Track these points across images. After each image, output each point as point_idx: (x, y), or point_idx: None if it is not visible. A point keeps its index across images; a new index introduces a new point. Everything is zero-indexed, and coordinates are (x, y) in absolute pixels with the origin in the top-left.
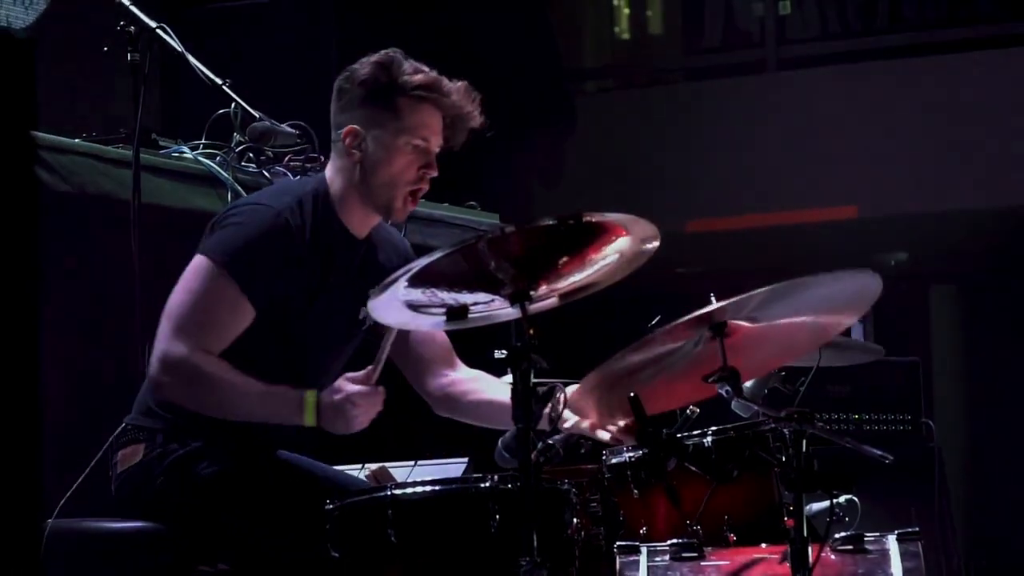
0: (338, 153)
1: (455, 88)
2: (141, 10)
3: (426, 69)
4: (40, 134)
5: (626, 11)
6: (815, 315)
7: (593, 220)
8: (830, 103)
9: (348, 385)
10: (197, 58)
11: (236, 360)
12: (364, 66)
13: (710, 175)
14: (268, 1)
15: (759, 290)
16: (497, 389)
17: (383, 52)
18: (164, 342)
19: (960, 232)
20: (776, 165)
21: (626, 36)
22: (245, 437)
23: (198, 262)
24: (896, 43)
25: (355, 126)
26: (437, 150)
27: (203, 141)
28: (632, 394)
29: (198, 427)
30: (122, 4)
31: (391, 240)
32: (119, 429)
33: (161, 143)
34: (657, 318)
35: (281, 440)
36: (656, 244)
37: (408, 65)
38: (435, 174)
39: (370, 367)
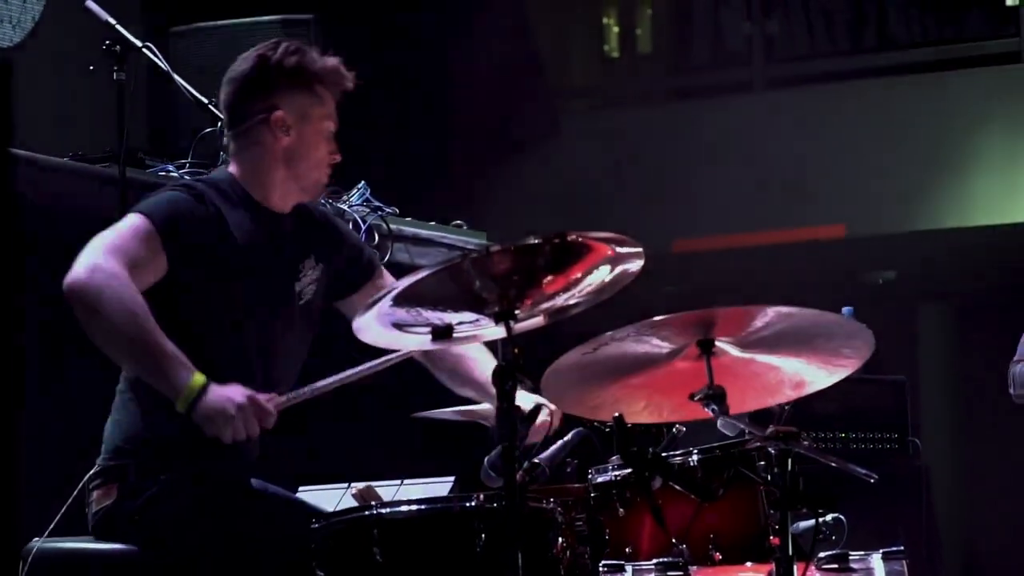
0: (252, 142)
1: (347, 70)
2: (128, 27)
3: (324, 56)
4: (26, 152)
5: (615, 29)
6: (801, 357)
7: (578, 239)
8: (818, 122)
9: (243, 392)
10: (185, 76)
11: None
12: (284, 51)
13: (697, 194)
14: (255, 20)
15: (756, 307)
16: (487, 367)
17: (287, 41)
18: (95, 254)
19: (948, 251)
20: (764, 184)
21: (615, 55)
22: (216, 467)
23: (126, 218)
24: (884, 62)
25: (283, 112)
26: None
27: (189, 160)
28: (617, 414)
29: (168, 461)
30: (108, 23)
31: (309, 210)
32: (92, 471)
33: (148, 162)
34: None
35: (250, 467)
36: (641, 263)
37: (315, 51)
38: (339, 158)
39: (283, 397)
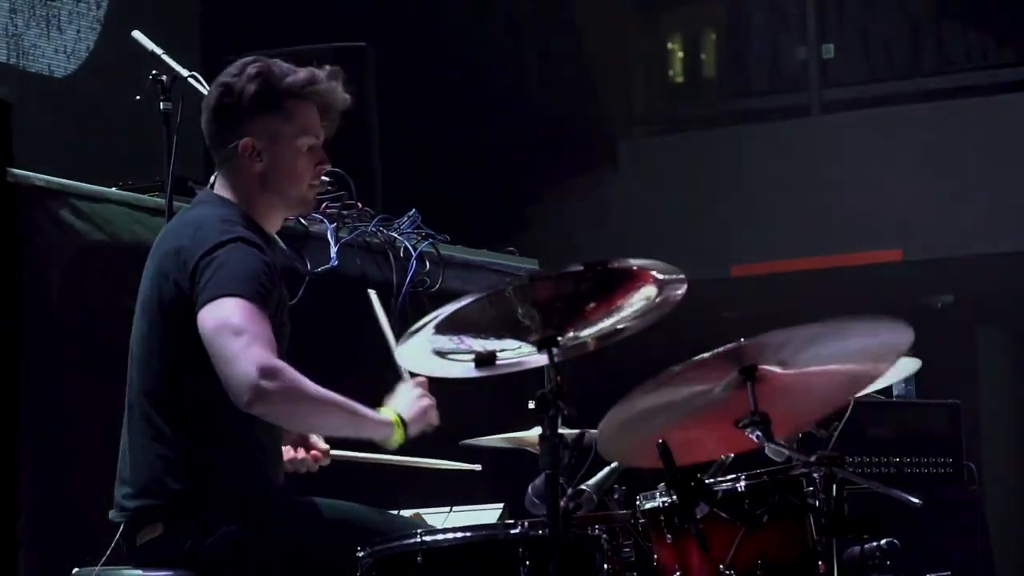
0: (232, 169)
1: (329, 75)
2: (177, 56)
3: (295, 67)
4: (75, 182)
5: (679, 55)
6: (844, 364)
7: (620, 266)
8: (875, 146)
9: (417, 390)
10: None
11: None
12: (246, 77)
13: (755, 219)
14: (308, 49)
15: (785, 330)
16: None
17: (253, 59)
18: (250, 356)
19: (1007, 274)
20: (821, 208)
21: (680, 79)
22: (263, 490)
23: (225, 303)
24: (941, 85)
25: (250, 138)
26: (322, 142)
27: None
28: (660, 440)
29: (212, 490)
30: (153, 53)
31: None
32: (126, 518)
33: (196, 190)
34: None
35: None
36: (684, 289)
37: (282, 67)
38: (329, 166)
39: (412, 376)
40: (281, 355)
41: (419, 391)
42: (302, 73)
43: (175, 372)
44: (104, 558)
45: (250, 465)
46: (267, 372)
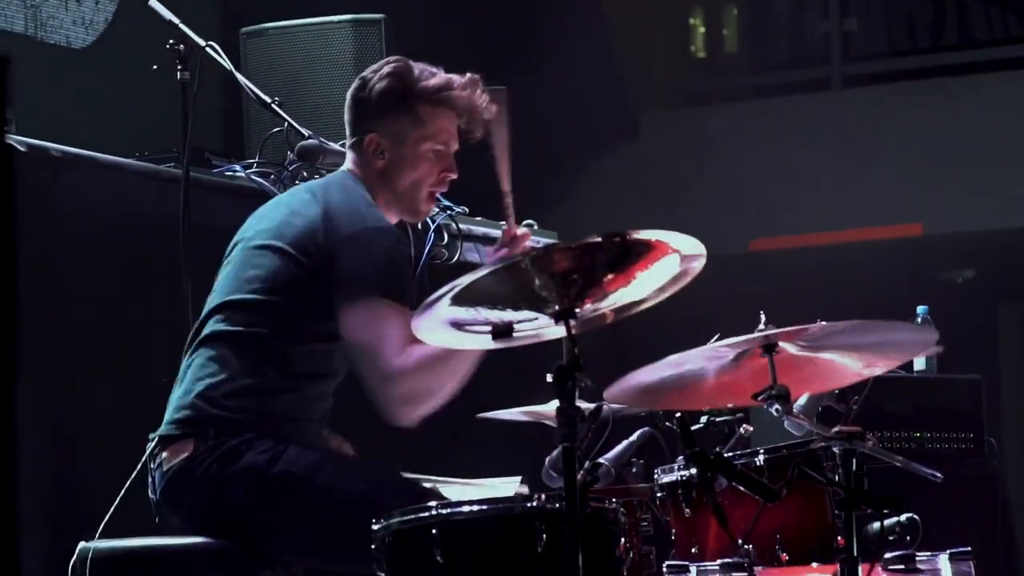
0: (360, 159)
1: (467, 83)
2: (196, 27)
3: (437, 71)
4: (90, 153)
5: (701, 30)
6: (864, 353)
7: (639, 238)
8: (896, 120)
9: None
10: (255, 75)
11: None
12: (380, 75)
13: (774, 193)
14: (327, 20)
15: (812, 326)
16: None
17: (395, 59)
18: (381, 386)
19: None
20: (841, 182)
21: (701, 55)
22: (301, 435)
23: (371, 307)
24: (963, 59)
25: (376, 135)
26: (455, 150)
27: (257, 160)
28: (679, 414)
29: (246, 423)
30: (171, 22)
31: None
32: (158, 435)
33: (214, 162)
34: (716, 336)
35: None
36: (703, 261)
37: (421, 70)
38: (455, 175)
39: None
40: None
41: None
42: (436, 79)
43: (272, 311)
44: (101, 528)
45: (298, 411)
46: (403, 399)
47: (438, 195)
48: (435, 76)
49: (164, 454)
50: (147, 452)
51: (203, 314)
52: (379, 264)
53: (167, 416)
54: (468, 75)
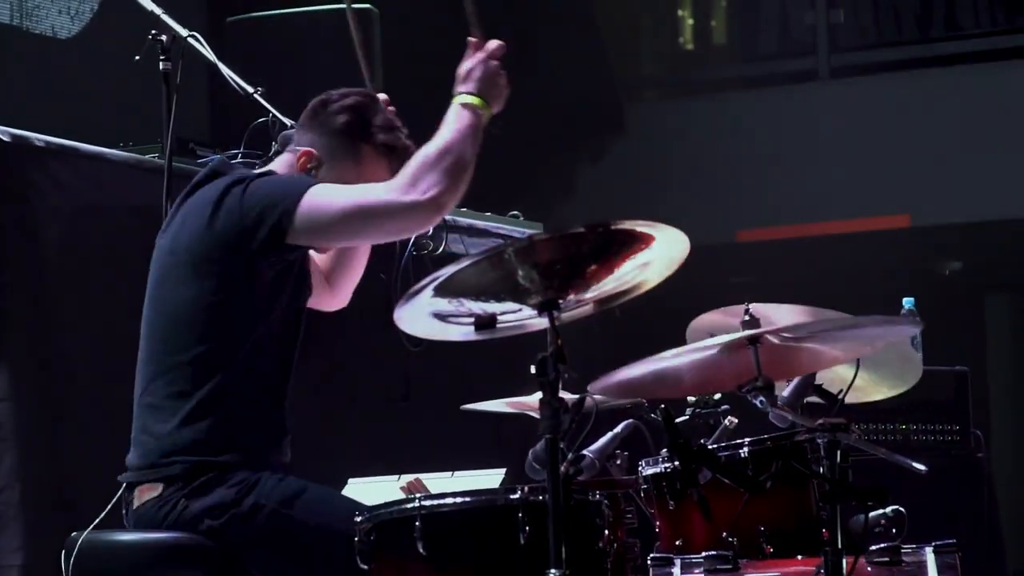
0: (288, 164)
1: (410, 145)
2: (183, 17)
3: (398, 124)
4: (74, 143)
5: (690, 22)
6: (849, 344)
7: (622, 228)
8: (883, 111)
9: (477, 58)
10: (241, 65)
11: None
12: (342, 105)
13: (762, 184)
14: (314, 10)
15: (794, 324)
16: None
17: (365, 92)
18: (390, 198)
19: (1015, 241)
20: (828, 173)
21: (690, 46)
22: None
23: (313, 189)
24: (951, 50)
25: (313, 150)
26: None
27: (241, 150)
28: (663, 406)
29: (212, 459)
30: (152, 12)
31: None
32: (127, 482)
33: (199, 152)
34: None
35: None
36: (686, 252)
37: (383, 117)
38: None
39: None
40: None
41: (479, 56)
42: (391, 136)
43: (206, 333)
44: (96, 522)
45: (263, 439)
46: (410, 188)
47: None
48: (392, 133)
49: (135, 492)
50: (117, 495)
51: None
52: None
53: (133, 459)
54: (412, 145)
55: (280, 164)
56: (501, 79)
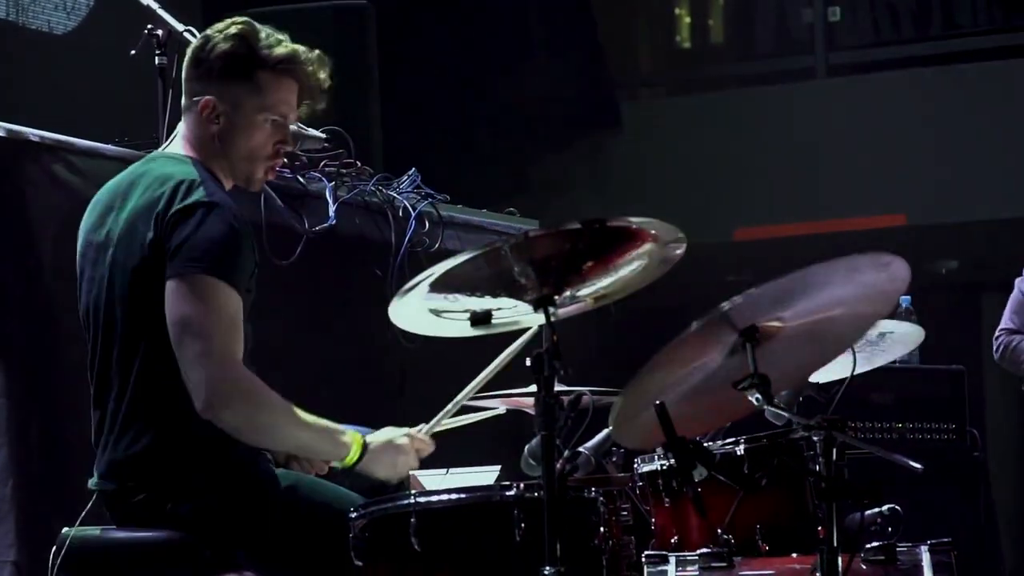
0: (194, 122)
1: (314, 59)
2: (178, 12)
3: (284, 38)
4: (68, 138)
5: (687, 20)
6: (844, 308)
7: (618, 225)
8: (880, 110)
9: (399, 431)
10: None
11: None
12: (224, 36)
13: (759, 182)
14: (309, 6)
15: (767, 284)
16: None
17: (241, 21)
18: (210, 365)
19: (1011, 240)
20: (825, 172)
21: (686, 45)
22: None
23: (195, 281)
24: (948, 49)
25: (212, 98)
26: (293, 124)
27: None
28: (658, 402)
29: (193, 466)
30: (148, 7)
31: None
32: (105, 486)
33: None
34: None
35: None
36: (682, 249)
37: (267, 36)
38: (291, 149)
39: (428, 426)
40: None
41: (406, 440)
42: (282, 48)
43: (163, 339)
44: (79, 519)
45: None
46: (229, 386)
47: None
48: (281, 44)
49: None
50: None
51: (96, 346)
52: (205, 243)
53: (103, 463)
54: (316, 52)
55: (188, 127)
56: (400, 465)
